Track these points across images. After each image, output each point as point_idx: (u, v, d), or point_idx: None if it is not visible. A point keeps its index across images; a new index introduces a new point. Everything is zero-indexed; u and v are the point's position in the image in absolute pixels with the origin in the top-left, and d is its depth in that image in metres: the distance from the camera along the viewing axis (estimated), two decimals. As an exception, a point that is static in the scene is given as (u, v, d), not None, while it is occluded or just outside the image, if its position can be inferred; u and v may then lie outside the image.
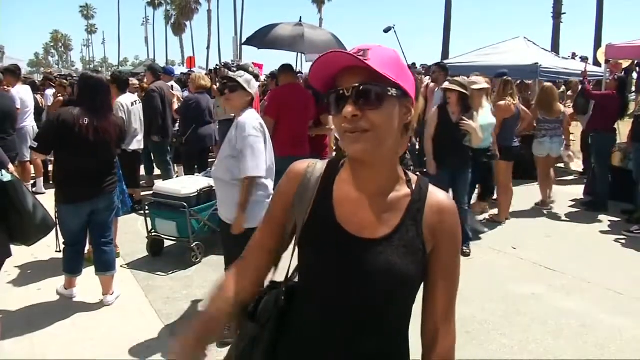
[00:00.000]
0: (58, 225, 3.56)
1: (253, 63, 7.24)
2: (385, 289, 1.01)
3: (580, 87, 7.09)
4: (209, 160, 6.60)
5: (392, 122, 0.99)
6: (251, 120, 2.90)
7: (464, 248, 4.46)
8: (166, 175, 6.36)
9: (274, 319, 1.10)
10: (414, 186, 1.08)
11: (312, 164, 1.14)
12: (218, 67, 7.54)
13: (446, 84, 4.56)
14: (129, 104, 5.40)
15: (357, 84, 0.95)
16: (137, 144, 5.57)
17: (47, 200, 3.63)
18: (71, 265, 3.55)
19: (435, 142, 4.53)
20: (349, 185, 1.07)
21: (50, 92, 8.27)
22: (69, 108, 3.35)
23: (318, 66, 0.98)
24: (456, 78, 4.57)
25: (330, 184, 1.09)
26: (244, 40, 6.94)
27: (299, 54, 7.39)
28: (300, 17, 6.01)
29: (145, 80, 8.73)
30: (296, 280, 1.15)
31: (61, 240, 3.59)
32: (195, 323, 1.14)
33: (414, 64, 11.52)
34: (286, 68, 5.06)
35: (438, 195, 1.09)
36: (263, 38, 5.90)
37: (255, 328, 1.11)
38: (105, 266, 3.55)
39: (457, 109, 4.36)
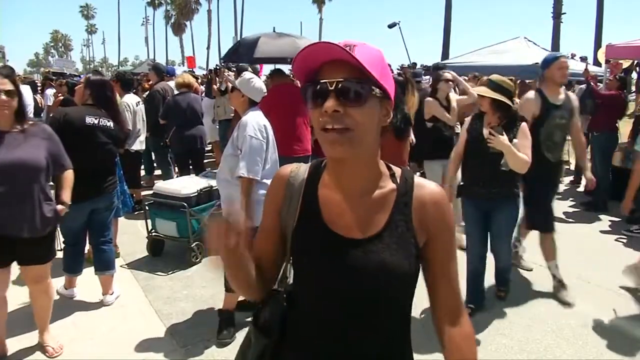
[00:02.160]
0: (58, 225, 3.56)
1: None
2: (380, 287, 1.01)
3: (582, 87, 7.10)
4: (205, 161, 6.55)
5: (373, 122, 0.97)
6: (253, 120, 2.92)
7: (502, 289, 3.65)
8: (167, 175, 6.34)
9: (278, 324, 1.10)
10: (398, 180, 1.07)
11: (295, 168, 1.13)
12: (218, 68, 7.53)
13: (479, 88, 3.47)
14: (134, 104, 5.41)
15: (342, 79, 0.92)
16: (139, 144, 5.56)
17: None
18: (71, 264, 3.55)
19: (463, 162, 3.44)
20: (333, 187, 1.06)
21: (50, 91, 8.28)
22: (78, 107, 3.35)
23: (302, 57, 0.95)
24: (494, 77, 3.29)
25: (315, 187, 1.08)
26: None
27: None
28: (274, 28, 6.22)
29: (147, 78, 8.73)
30: (290, 282, 1.15)
31: (61, 239, 3.59)
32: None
33: (414, 63, 11.49)
34: (276, 72, 5.27)
35: (425, 186, 1.07)
36: (233, 53, 6.09)
37: (265, 340, 1.11)
38: (104, 265, 3.56)
39: (494, 120, 3.19)
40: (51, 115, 3.35)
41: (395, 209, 1.03)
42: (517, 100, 5.27)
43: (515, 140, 3.10)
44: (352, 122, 0.93)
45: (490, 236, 3.38)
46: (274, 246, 1.13)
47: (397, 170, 1.09)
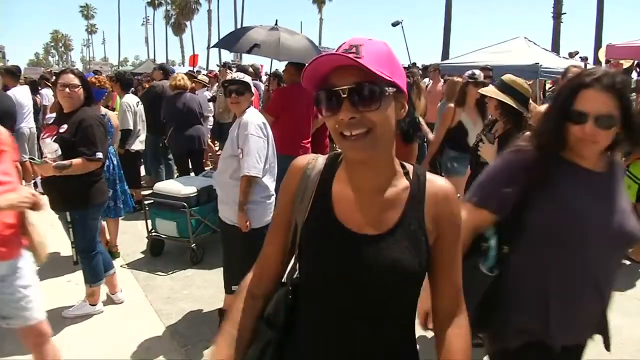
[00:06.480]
0: (80, 232, 3.29)
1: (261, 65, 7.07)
2: (389, 285, 1.00)
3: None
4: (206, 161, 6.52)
5: (391, 120, 0.97)
6: (254, 119, 2.92)
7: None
8: (156, 177, 6.19)
9: (283, 318, 1.10)
10: (412, 177, 1.06)
11: (312, 159, 1.12)
12: (223, 66, 7.46)
13: (486, 89, 3.11)
14: (134, 104, 5.39)
15: (353, 85, 0.91)
16: (139, 144, 5.56)
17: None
18: (102, 267, 3.43)
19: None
20: (348, 183, 1.05)
21: (47, 92, 8.22)
22: (92, 109, 3.28)
23: (311, 70, 0.95)
24: (506, 76, 2.86)
25: (329, 181, 1.07)
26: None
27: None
28: (276, 21, 5.88)
29: (149, 78, 8.70)
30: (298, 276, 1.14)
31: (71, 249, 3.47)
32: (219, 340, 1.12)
33: (414, 63, 11.50)
34: (292, 66, 4.82)
35: (437, 183, 1.07)
36: (235, 41, 5.74)
37: (270, 332, 1.11)
38: (108, 264, 3.54)
39: (501, 125, 2.84)
40: (93, 124, 3.11)
41: (408, 207, 1.03)
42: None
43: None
44: (371, 124, 0.93)
45: None
46: (284, 239, 1.13)
47: (410, 168, 1.08)
